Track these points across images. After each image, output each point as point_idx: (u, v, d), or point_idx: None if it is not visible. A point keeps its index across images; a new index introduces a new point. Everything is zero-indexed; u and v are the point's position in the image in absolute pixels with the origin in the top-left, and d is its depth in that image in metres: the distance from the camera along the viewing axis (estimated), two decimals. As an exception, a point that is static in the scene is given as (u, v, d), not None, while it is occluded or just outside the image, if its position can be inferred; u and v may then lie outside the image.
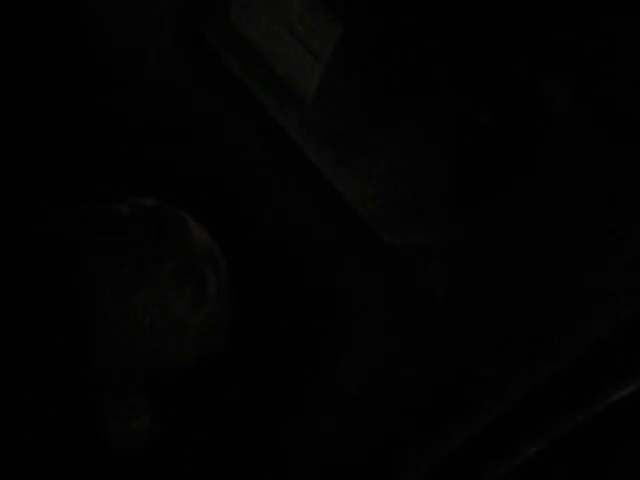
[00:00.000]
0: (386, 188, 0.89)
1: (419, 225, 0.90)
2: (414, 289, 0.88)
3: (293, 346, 0.86)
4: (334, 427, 0.83)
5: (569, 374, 0.82)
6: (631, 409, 0.78)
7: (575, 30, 0.74)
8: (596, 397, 0.79)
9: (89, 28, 0.99)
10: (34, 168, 0.88)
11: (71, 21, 0.98)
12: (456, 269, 0.89)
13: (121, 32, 0.99)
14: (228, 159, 0.93)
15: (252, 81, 0.92)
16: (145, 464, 0.79)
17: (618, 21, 0.73)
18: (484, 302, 0.87)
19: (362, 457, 0.82)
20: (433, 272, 0.89)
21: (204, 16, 0.95)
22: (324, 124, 0.90)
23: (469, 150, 0.84)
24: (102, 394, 0.77)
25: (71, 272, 0.75)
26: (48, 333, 0.76)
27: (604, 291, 0.81)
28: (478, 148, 0.83)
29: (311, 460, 0.82)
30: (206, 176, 0.92)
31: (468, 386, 0.85)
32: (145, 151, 0.92)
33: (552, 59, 0.76)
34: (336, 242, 0.90)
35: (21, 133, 0.90)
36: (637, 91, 0.73)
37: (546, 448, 0.81)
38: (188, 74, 0.96)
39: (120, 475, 0.78)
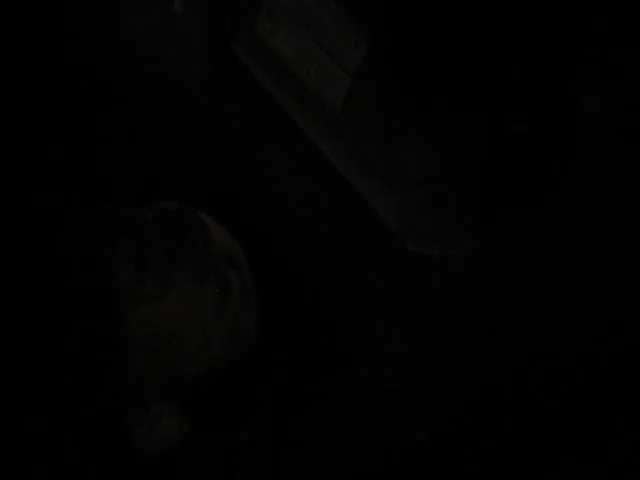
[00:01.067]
0: (413, 198, 0.89)
1: (445, 235, 0.90)
2: (437, 298, 0.88)
3: (318, 349, 0.86)
4: (365, 427, 0.82)
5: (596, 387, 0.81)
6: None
7: (607, 42, 0.75)
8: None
9: (121, 45, 1.01)
10: (58, 171, 0.89)
11: (105, 35, 0.99)
12: (482, 279, 0.88)
13: (153, 50, 1.01)
14: (257, 170, 0.94)
15: (281, 94, 0.93)
16: (174, 467, 0.78)
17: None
18: (508, 313, 0.87)
19: (392, 458, 0.81)
20: (456, 282, 0.89)
21: (233, 31, 0.96)
22: (351, 135, 0.91)
23: (500, 160, 0.84)
24: (129, 399, 0.77)
25: (96, 278, 0.75)
26: (76, 339, 0.76)
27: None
28: (510, 158, 0.84)
29: (341, 460, 0.81)
30: (234, 185, 0.93)
31: (489, 398, 0.84)
32: (175, 161, 0.93)
33: (586, 70, 0.77)
34: (360, 250, 0.91)
35: (48, 138, 0.92)
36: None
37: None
38: (218, 88, 0.97)
39: (150, 478, 0.78)
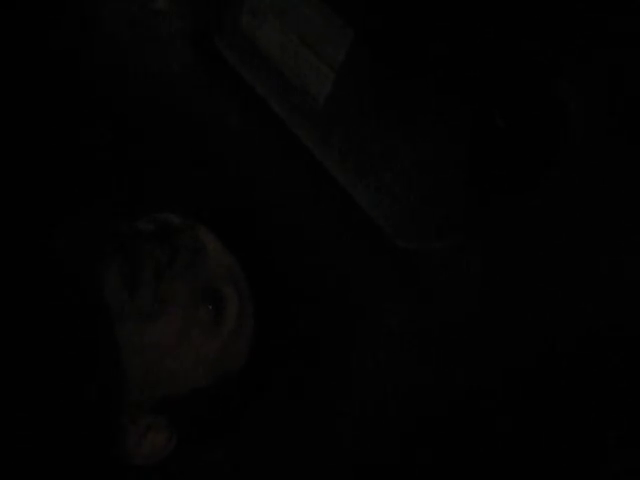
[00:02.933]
0: (400, 194, 0.89)
1: (433, 229, 0.90)
2: (428, 292, 0.88)
3: (309, 358, 0.85)
4: (355, 444, 0.82)
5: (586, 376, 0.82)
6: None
7: (589, 31, 0.75)
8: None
9: (103, 43, 1.00)
10: (54, 182, 0.89)
11: (84, 36, 0.99)
12: (470, 272, 0.89)
13: (135, 47, 1.00)
14: (243, 170, 0.93)
15: (265, 89, 0.93)
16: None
17: (632, 21, 0.74)
18: (497, 305, 0.87)
19: (389, 457, 0.81)
20: (447, 276, 0.89)
21: (216, 26, 0.96)
22: (336, 131, 0.90)
23: (484, 155, 0.84)
24: (117, 414, 0.76)
25: (85, 295, 0.74)
26: (70, 355, 0.75)
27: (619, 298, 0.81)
28: (493, 152, 0.84)
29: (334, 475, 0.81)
30: (221, 188, 0.92)
31: (482, 393, 0.85)
32: (162, 164, 0.92)
33: (567, 61, 0.77)
34: (350, 247, 0.90)
35: (42, 150, 0.91)
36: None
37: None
38: (200, 84, 0.97)
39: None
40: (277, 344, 0.85)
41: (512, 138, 0.82)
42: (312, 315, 0.88)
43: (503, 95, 0.81)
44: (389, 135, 0.88)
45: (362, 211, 0.91)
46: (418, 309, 0.89)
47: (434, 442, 0.84)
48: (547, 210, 0.85)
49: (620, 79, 0.76)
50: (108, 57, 0.98)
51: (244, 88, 0.94)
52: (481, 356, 0.84)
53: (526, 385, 0.84)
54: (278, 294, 0.86)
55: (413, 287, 0.89)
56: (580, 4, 0.74)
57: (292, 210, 0.91)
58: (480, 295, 0.88)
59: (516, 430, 0.83)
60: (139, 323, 0.73)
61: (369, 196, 0.90)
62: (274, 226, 0.90)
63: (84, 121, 0.92)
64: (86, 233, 0.75)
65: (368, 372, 0.88)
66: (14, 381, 0.73)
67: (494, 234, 0.88)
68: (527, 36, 0.77)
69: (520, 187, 0.85)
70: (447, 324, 0.88)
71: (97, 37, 1.00)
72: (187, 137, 0.94)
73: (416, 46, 0.82)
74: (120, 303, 0.72)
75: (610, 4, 0.73)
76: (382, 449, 0.84)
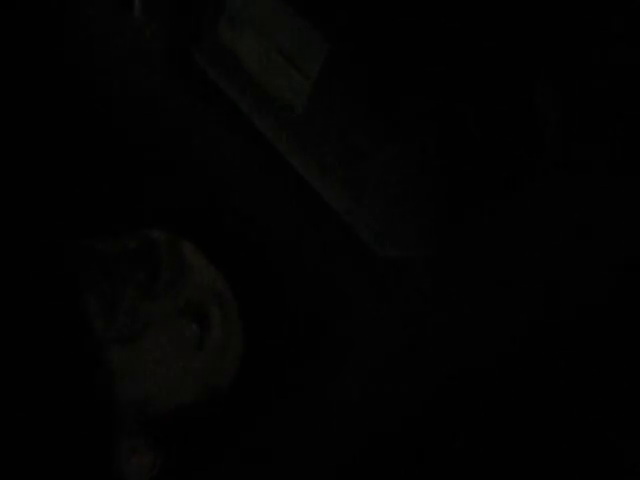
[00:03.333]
0: (378, 202, 0.90)
1: (411, 238, 0.91)
2: (408, 300, 0.89)
3: (298, 376, 0.85)
4: (336, 454, 0.83)
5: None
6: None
7: (566, 39, 0.76)
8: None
9: (79, 53, 1.00)
10: (37, 197, 0.88)
11: (60, 45, 0.99)
12: (448, 280, 0.89)
13: (112, 57, 1.00)
14: (224, 182, 0.93)
15: (243, 100, 0.93)
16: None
17: (612, 29, 0.75)
18: (475, 311, 0.88)
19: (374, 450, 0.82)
20: (427, 283, 0.90)
21: (192, 35, 0.96)
22: (313, 140, 0.91)
23: (460, 163, 0.85)
24: (103, 434, 0.75)
25: (67, 316, 0.74)
26: (55, 379, 0.75)
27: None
28: (469, 160, 0.84)
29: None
30: (202, 201, 0.92)
31: (464, 388, 0.86)
32: (145, 179, 0.92)
33: (544, 68, 0.77)
34: (331, 256, 0.91)
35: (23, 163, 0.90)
36: (628, 97, 0.75)
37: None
38: (177, 94, 0.97)
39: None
40: (265, 361, 0.85)
41: (487, 145, 0.83)
42: (296, 325, 0.88)
43: (478, 103, 0.81)
44: (366, 145, 0.88)
45: (342, 220, 0.91)
46: (398, 316, 0.90)
47: (420, 443, 0.85)
48: (526, 216, 0.85)
49: (599, 85, 0.76)
50: (85, 68, 0.98)
51: (223, 100, 0.94)
52: (460, 361, 0.85)
53: (514, 388, 0.85)
54: (263, 307, 0.87)
55: (393, 295, 0.90)
56: (562, 8, 0.75)
57: (273, 221, 0.92)
58: (460, 302, 0.89)
59: (504, 431, 0.84)
60: (122, 345, 0.73)
61: (348, 205, 0.91)
62: (257, 239, 0.90)
63: (64, 135, 0.92)
64: (70, 255, 0.74)
65: (352, 381, 0.88)
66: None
67: (473, 241, 0.89)
68: (505, 41, 0.78)
69: (497, 194, 0.86)
70: (427, 331, 0.89)
71: (74, 48, 1.00)
72: (169, 151, 0.94)
73: (392, 55, 0.83)
74: (102, 326, 0.72)
75: (592, 7, 0.74)
76: (371, 458, 0.85)
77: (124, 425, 0.75)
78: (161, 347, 0.75)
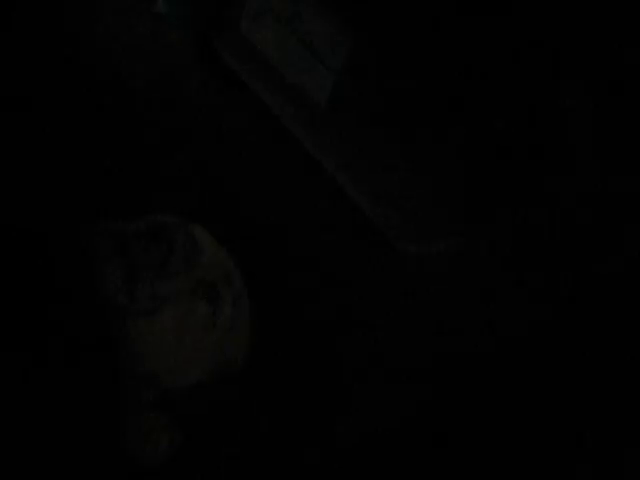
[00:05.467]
0: (400, 196, 0.89)
1: (432, 233, 0.91)
2: (427, 295, 0.88)
3: (309, 356, 0.86)
4: (356, 438, 0.83)
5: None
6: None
7: (589, 35, 0.75)
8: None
9: (103, 45, 1.00)
10: (48, 180, 0.89)
11: (87, 39, 0.99)
12: (468, 275, 0.89)
13: (135, 50, 1.00)
14: (241, 172, 0.93)
15: (264, 91, 0.93)
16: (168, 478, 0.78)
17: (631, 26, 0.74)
18: (495, 308, 0.88)
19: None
20: (445, 279, 0.89)
21: (216, 29, 0.96)
22: (337, 132, 0.91)
23: (483, 157, 0.84)
24: (120, 412, 0.77)
25: (85, 293, 0.76)
26: (72, 352, 0.77)
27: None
28: (492, 155, 0.84)
29: (331, 470, 0.81)
30: (223, 188, 0.92)
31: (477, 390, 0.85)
32: (161, 166, 0.92)
33: (568, 63, 0.77)
34: (350, 250, 0.91)
35: (36, 146, 0.91)
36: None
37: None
38: (200, 87, 0.97)
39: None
40: (277, 343, 0.86)
41: (512, 143, 0.82)
42: (311, 316, 0.88)
43: (502, 99, 0.81)
44: (389, 138, 0.88)
45: (362, 214, 0.91)
46: (416, 311, 0.89)
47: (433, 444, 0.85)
48: (547, 215, 0.85)
49: (623, 84, 0.76)
50: (108, 59, 0.98)
51: (244, 90, 0.94)
52: (478, 356, 0.85)
53: (528, 386, 0.85)
54: (276, 296, 0.87)
55: (412, 289, 0.89)
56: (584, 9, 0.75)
57: (292, 212, 0.91)
58: (479, 297, 0.88)
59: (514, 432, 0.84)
60: (138, 320, 0.74)
61: (369, 199, 0.91)
62: (273, 228, 0.90)
63: (84, 122, 0.93)
64: (86, 235, 0.76)
65: (366, 375, 0.88)
66: (14, 379, 0.74)
67: (493, 238, 0.88)
68: (531, 41, 0.78)
69: (519, 192, 0.85)
70: (446, 326, 0.88)
71: (98, 39, 1.00)
72: (186, 138, 0.94)
73: (416, 50, 0.82)
74: (119, 302, 0.74)
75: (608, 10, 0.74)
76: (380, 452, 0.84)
77: (139, 401, 0.77)
78: (175, 324, 0.76)
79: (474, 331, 0.87)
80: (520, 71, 0.79)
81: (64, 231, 0.81)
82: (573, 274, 0.84)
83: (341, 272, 0.89)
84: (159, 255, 0.76)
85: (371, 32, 0.84)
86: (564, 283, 0.85)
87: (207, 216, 0.84)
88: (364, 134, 0.89)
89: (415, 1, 0.81)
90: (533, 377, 0.85)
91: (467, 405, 0.85)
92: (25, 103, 0.92)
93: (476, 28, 0.78)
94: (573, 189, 0.81)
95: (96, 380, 0.77)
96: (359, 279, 0.89)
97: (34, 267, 0.81)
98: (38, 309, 0.78)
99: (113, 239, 0.75)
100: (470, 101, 0.82)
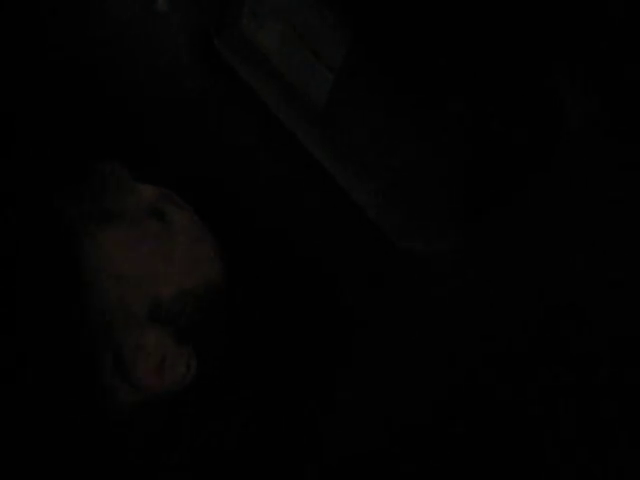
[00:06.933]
0: (401, 194, 0.89)
1: (434, 231, 0.90)
2: (429, 295, 0.88)
3: (310, 356, 0.86)
4: (353, 442, 0.83)
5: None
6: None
7: (588, 29, 0.75)
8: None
9: (103, 43, 1.00)
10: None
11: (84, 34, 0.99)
12: (471, 274, 0.89)
13: (136, 48, 1.00)
14: (240, 166, 0.94)
15: (264, 90, 0.93)
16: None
17: (630, 22, 0.74)
18: (499, 307, 0.87)
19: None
20: (448, 278, 0.89)
21: (216, 27, 0.96)
22: (336, 132, 0.91)
23: (482, 156, 0.84)
24: (117, 329, 0.78)
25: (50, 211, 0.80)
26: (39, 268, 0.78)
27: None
28: (491, 153, 0.84)
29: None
30: (221, 188, 0.93)
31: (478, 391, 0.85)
32: (161, 163, 0.93)
33: (565, 59, 0.77)
34: (351, 248, 0.91)
35: (35, 146, 0.92)
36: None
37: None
38: (200, 85, 0.97)
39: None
40: (277, 342, 0.86)
41: (511, 139, 0.82)
42: (311, 313, 0.89)
43: (500, 97, 0.81)
44: (388, 136, 0.88)
45: (363, 212, 0.91)
46: (419, 309, 0.89)
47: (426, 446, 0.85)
48: (547, 211, 0.85)
49: (619, 76, 0.75)
50: (108, 57, 0.98)
51: (244, 89, 0.94)
52: (481, 357, 0.85)
53: (528, 387, 0.84)
54: (277, 295, 0.88)
55: (414, 287, 0.89)
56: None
57: (292, 212, 0.92)
58: (481, 295, 0.88)
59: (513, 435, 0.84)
60: (101, 231, 0.79)
61: (369, 197, 0.90)
62: (274, 227, 0.90)
63: (81, 121, 0.93)
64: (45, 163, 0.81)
65: (365, 373, 0.88)
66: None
67: (495, 235, 0.88)
68: (525, 35, 0.77)
69: (520, 188, 0.85)
70: (448, 324, 0.88)
71: (98, 37, 1.00)
72: (185, 137, 0.95)
73: (414, 48, 0.82)
74: (81, 217, 0.79)
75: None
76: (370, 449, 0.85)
77: (134, 315, 0.78)
78: (130, 233, 0.81)
79: (479, 332, 0.87)
80: (519, 70, 0.78)
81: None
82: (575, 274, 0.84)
83: (342, 271, 0.89)
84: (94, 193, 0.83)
85: (370, 31, 0.84)
86: (566, 283, 0.85)
87: (207, 215, 0.85)
88: (363, 132, 0.89)
89: (415, 2, 0.81)
90: (540, 379, 0.84)
91: (472, 410, 0.85)
92: (23, 103, 0.93)
93: (477, 26, 0.78)
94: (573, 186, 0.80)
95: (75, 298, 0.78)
96: (360, 278, 0.89)
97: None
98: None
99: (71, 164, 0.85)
100: (471, 98, 0.81)
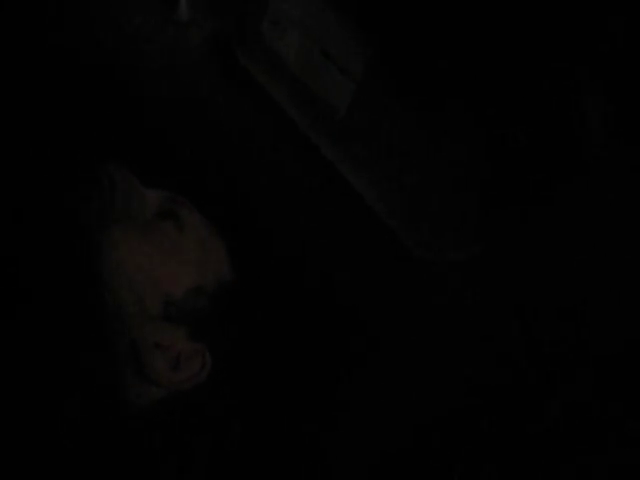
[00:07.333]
0: (418, 203, 0.90)
1: (450, 240, 0.91)
2: (443, 304, 0.88)
3: (319, 361, 0.86)
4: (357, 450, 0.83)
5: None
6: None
7: (612, 45, 0.75)
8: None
9: (126, 53, 1.01)
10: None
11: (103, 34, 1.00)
12: (486, 284, 0.89)
13: (157, 56, 1.01)
14: (258, 174, 0.94)
15: (284, 97, 0.94)
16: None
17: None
18: (514, 317, 0.87)
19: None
20: (463, 287, 0.89)
21: (237, 36, 0.97)
22: (355, 140, 0.91)
23: (502, 167, 0.85)
24: (133, 327, 0.79)
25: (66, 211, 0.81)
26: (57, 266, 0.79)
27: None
28: (511, 165, 0.84)
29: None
30: (237, 192, 0.93)
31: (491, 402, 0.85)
32: (180, 168, 0.94)
33: (589, 74, 0.77)
34: (366, 256, 0.91)
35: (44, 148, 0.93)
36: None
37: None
38: (220, 92, 0.98)
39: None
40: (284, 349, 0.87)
41: (530, 151, 0.83)
42: (327, 322, 0.89)
43: (523, 109, 0.81)
44: (408, 146, 0.88)
45: (380, 220, 0.91)
46: (435, 319, 0.89)
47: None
48: (565, 222, 0.85)
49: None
50: (131, 64, 0.99)
51: (264, 97, 0.95)
52: (497, 365, 0.85)
53: (544, 394, 0.85)
54: (287, 301, 0.88)
55: (430, 297, 0.89)
56: (604, 21, 0.75)
57: (308, 218, 0.92)
58: (496, 305, 0.88)
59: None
60: (113, 228, 0.80)
61: (387, 206, 0.91)
62: (289, 234, 0.91)
63: (102, 123, 0.94)
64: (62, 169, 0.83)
65: (378, 381, 0.88)
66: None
67: (512, 246, 0.88)
68: (548, 51, 0.78)
69: (537, 199, 0.85)
70: (464, 334, 0.89)
71: (122, 47, 1.01)
72: (202, 142, 0.96)
73: (436, 59, 0.83)
74: (97, 217, 0.80)
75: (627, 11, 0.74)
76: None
77: (148, 313, 0.79)
78: (148, 245, 0.82)
79: (489, 341, 0.87)
80: (541, 82, 0.79)
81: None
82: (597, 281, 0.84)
83: (356, 278, 0.90)
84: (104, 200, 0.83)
85: (391, 41, 0.85)
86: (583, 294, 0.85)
87: (222, 223, 0.86)
88: (382, 142, 0.89)
89: (434, 10, 0.82)
90: (550, 384, 0.85)
91: (481, 419, 0.85)
92: (42, 107, 0.94)
93: (499, 39, 0.79)
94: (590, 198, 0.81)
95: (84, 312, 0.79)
96: (374, 286, 0.90)
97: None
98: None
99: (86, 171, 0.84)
100: (490, 108, 0.82)
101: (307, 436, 0.86)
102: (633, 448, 0.79)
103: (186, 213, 0.86)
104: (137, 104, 0.97)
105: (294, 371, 0.88)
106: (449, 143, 0.86)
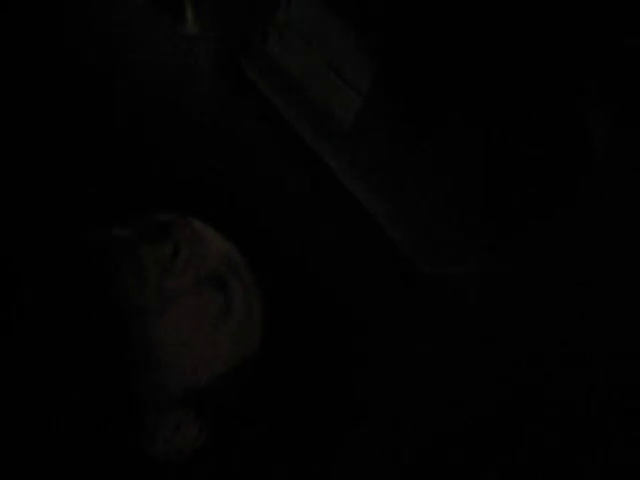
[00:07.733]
0: (423, 217, 0.90)
1: (455, 255, 0.90)
2: (449, 318, 0.88)
3: (324, 371, 0.86)
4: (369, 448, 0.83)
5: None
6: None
7: (617, 61, 0.75)
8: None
9: (133, 65, 1.02)
10: (57, 187, 0.90)
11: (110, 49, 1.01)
12: (491, 299, 0.89)
13: (163, 69, 1.02)
14: (264, 186, 0.94)
15: (289, 111, 0.94)
16: (192, 476, 0.79)
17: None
18: (520, 332, 0.87)
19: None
20: (468, 302, 0.89)
21: (243, 48, 0.97)
22: (361, 153, 0.91)
23: (507, 181, 0.84)
24: (145, 411, 0.77)
25: (100, 295, 0.76)
26: (90, 358, 0.76)
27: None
28: (516, 178, 0.84)
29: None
30: (242, 203, 0.93)
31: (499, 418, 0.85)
32: (183, 182, 0.94)
33: (594, 90, 0.77)
34: (372, 271, 0.91)
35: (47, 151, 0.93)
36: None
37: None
38: (226, 105, 0.98)
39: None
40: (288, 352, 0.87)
41: (535, 165, 0.82)
42: (335, 340, 0.89)
43: (529, 122, 0.81)
44: (413, 160, 0.88)
45: (386, 236, 0.91)
46: (441, 334, 0.89)
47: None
48: (570, 236, 0.85)
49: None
50: (136, 78, 0.99)
51: (270, 109, 0.95)
52: (503, 379, 0.84)
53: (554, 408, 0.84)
54: (291, 312, 0.88)
55: (436, 312, 0.89)
56: (608, 31, 0.75)
57: (311, 230, 0.92)
58: (502, 320, 0.88)
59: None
60: (152, 319, 0.74)
61: (392, 220, 0.91)
62: (291, 245, 0.91)
63: (107, 133, 0.94)
64: (97, 241, 0.77)
65: (384, 397, 0.88)
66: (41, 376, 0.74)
67: (517, 260, 0.88)
68: (555, 66, 0.78)
69: (543, 213, 0.85)
70: (470, 349, 0.88)
71: (127, 59, 1.01)
72: (207, 157, 0.95)
73: (441, 72, 0.83)
74: (132, 303, 0.74)
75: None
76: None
77: (163, 402, 0.76)
78: (189, 317, 0.76)
79: (500, 352, 0.87)
80: (547, 99, 0.79)
81: (67, 236, 0.82)
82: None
83: (360, 292, 0.89)
84: (166, 253, 0.76)
85: (398, 55, 0.85)
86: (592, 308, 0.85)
87: (226, 232, 0.85)
88: (387, 156, 0.89)
89: (442, 25, 0.82)
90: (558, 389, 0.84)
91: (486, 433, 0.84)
92: (42, 109, 0.94)
93: (504, 55, 0.79)
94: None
95: (113, 384, 0.76)
96: (378, 300, 0.89)
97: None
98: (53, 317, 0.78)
99: (122, 244, 0.76)
100: (494, 120, 0.82)
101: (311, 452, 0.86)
102: (633, 448, 0.79)
103: (236, 284, 0.80)
104: (139, 117, 0.97)
105: (294, 371, 0.87)
106: (453, 156, 0.86)
